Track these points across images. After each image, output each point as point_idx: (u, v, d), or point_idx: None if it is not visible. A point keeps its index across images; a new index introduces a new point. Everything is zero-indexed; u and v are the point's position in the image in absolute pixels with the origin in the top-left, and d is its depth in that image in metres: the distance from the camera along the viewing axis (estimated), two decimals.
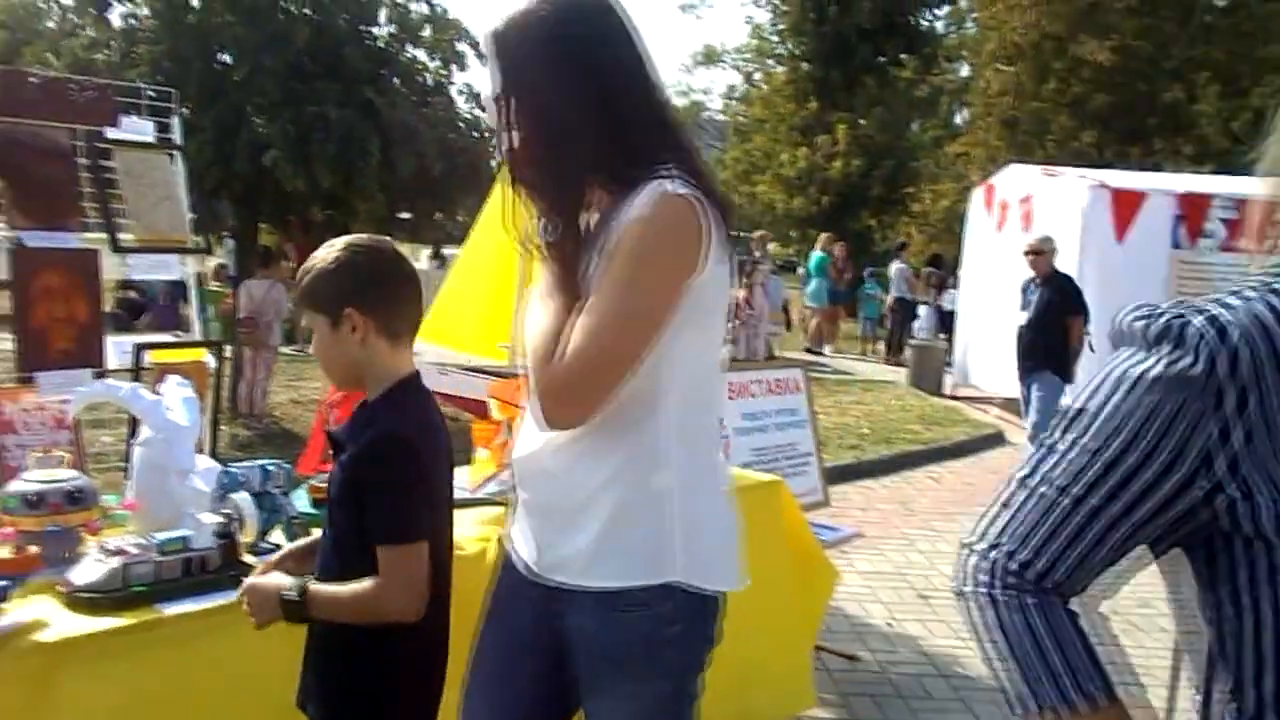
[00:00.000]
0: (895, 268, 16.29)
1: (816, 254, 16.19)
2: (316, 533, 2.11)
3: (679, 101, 47.10)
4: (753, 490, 3.69)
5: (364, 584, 1.83)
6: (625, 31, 1.61)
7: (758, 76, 24.45)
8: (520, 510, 1.77)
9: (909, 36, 22.67)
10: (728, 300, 1.67)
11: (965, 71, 23.99)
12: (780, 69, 22.88)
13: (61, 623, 2.14)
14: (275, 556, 2.07)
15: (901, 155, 21.34)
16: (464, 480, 3.02)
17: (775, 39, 22.94)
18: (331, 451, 1.96)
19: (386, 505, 1.82)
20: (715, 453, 1.79)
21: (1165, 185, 10.33)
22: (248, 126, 8.12)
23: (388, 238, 2.08)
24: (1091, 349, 7.07)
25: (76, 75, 5.05)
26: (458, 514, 2.78)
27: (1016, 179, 11.42)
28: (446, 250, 11.71)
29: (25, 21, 19.52)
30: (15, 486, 2.42)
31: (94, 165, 3.77)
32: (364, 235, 1.99)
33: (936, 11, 23.83)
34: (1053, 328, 6.98)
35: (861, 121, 20.47)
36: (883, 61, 21.77)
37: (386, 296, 1.91)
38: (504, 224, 1.64)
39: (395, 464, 1.82)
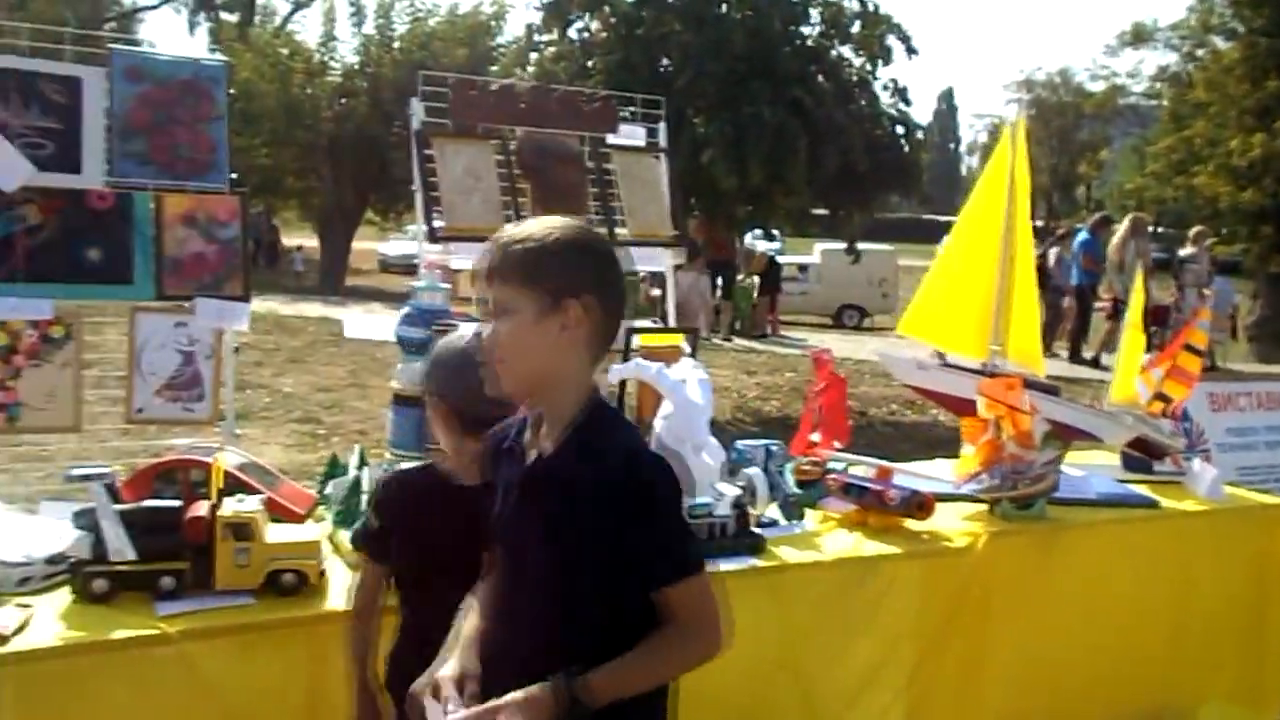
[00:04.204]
0: None
1: None
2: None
3: (1096, 86, 43.54)
4: (1249, 511, 3.41)
5: (656, 640, 1.57)
6: None
7: (1200, 54, 21.96)
8: None
9: None
10: None
11: None
12: (1230, 45, 20.35)
13: None
14: (437, 684, 1.65)
15: None
16: (949, 474, 3.07)
17: (1228, 12, 20.43)
18: (531, 488, 1.62)
19: (667, 536, 1.58)
20: None
21: None
22: (688, 128, 8.67)
23: None
24: None
25: (534, 85, 5.66)
26: (942, 507, 2.89)
27: None
28: (861, 245, 11.81)
29: (480, 38, 22.22)
30: None
31: (598, 168, 4.25)
32: (572, 219, 1.68)
33: None
34: None
35: None
36: None
37: (618, 294, 1.64)
38: None
39: (660, 486, 1.59)
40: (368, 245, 24.33)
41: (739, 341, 13.97)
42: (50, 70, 2.98)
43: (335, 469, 2.72)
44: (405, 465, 2.24)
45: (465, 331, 2.02)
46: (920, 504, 2.77)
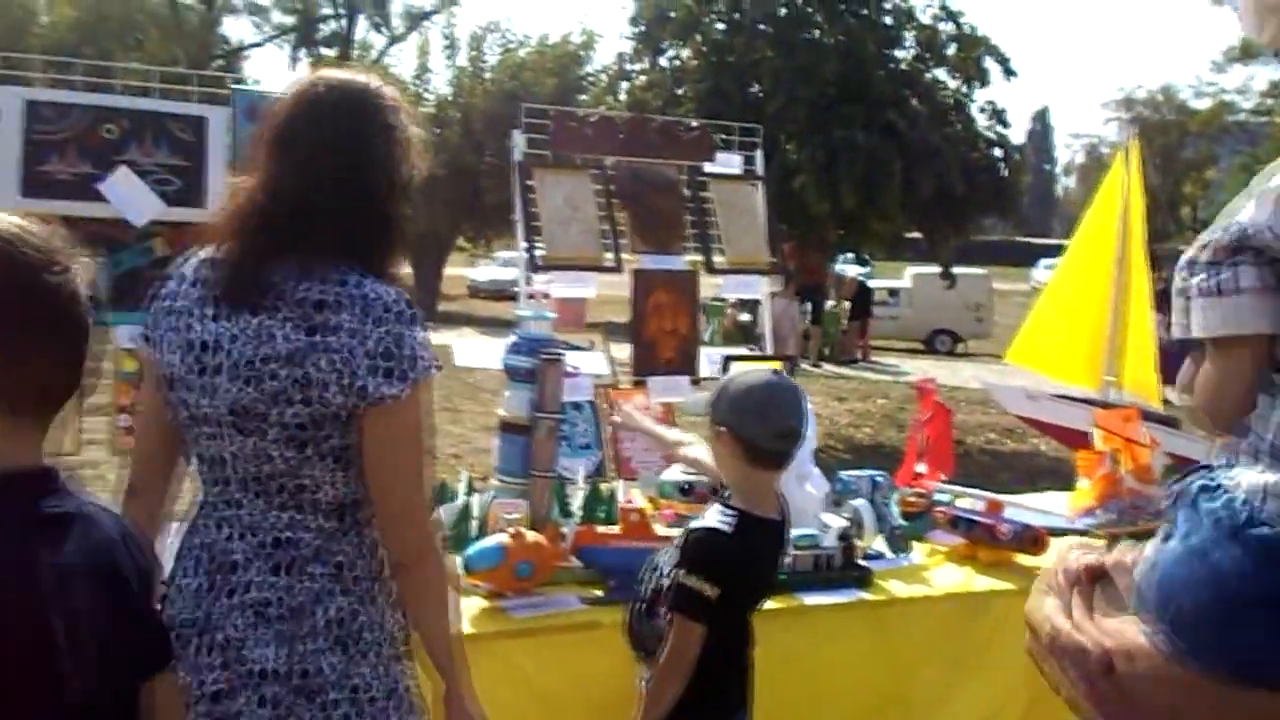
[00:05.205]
0: None
1: None
2: None
3: (1201, 103, 42.26)
4: None
5: None
6: None
7: None
8: None
9: None
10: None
11: None
12: None
13: None
14: None
15: None
16: (1063, 508, 2.98)
17: None
18: None
19: None
20: None
21: None
22: (780, 153, 8.68)
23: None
24: None
25: (632, 115, 5.71)
26: (1056, 542, 2.79)
27: None
28: (954, 269, 11.62)
29: (570, 68, 22.54)
30: (669, 476, 2.84)
31: (695, 196, 4.26)
32: None
33: None
34: None
35: None
36: None
37: (32, 324, 1.10)
38: None
39: None
40: (456, 271, 24.83)
41: (828, 367, 13.84)
42: (179, 111, 3.12)
43: (444, 495, 2.77)
44: (712, 521, 2.05)
45: (760, 367, 2.27)
46: (1034, 539, 2.70)
